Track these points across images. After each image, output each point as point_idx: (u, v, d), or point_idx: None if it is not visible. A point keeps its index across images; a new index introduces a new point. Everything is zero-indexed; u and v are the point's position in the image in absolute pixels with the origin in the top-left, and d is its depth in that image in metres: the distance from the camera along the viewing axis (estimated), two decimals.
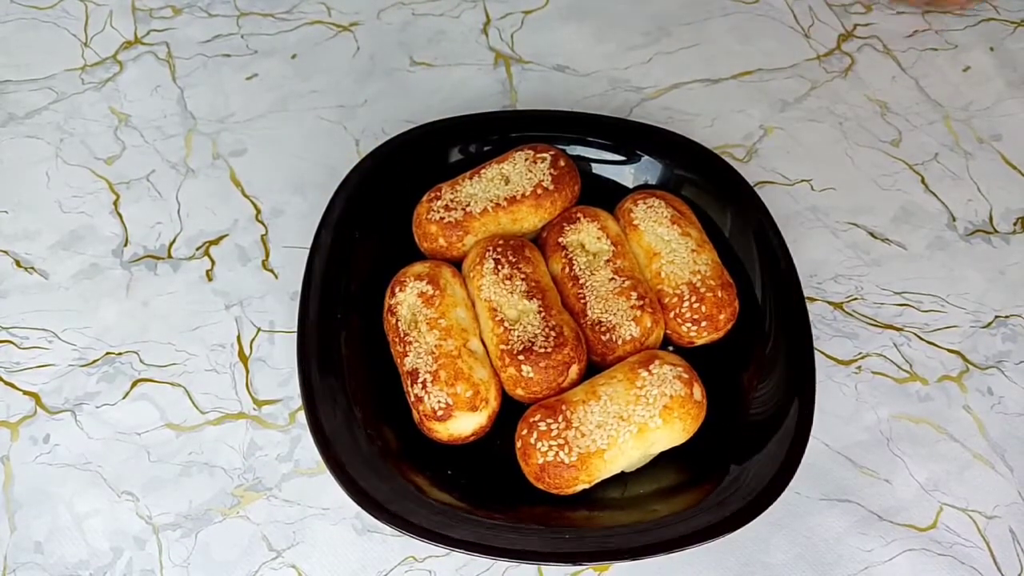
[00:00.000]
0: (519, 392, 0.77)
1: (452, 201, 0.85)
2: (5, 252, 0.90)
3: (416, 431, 0.78)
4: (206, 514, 0.77)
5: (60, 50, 1.03)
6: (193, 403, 0.82)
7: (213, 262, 0.90)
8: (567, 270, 0.82)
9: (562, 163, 0.87)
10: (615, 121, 0.92)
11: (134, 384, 0.83)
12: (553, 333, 0.77)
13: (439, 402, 0.75)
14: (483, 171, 0.86)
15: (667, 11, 1.09)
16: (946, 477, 0.80)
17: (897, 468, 0.80)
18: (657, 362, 0.76)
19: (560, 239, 0.84)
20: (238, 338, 0.85)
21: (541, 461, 0.73)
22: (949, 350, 0.86)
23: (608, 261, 0.82)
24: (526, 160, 0.86)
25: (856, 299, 0.89)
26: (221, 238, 0.91)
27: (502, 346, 0.77)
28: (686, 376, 0.75)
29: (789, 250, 0.84)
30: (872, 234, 0.93)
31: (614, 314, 0.79)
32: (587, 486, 0.74)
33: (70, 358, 0.84)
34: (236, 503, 0.78)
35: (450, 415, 0.75)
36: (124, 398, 0.82)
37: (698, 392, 0.75)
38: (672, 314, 0.80)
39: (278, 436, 0.81)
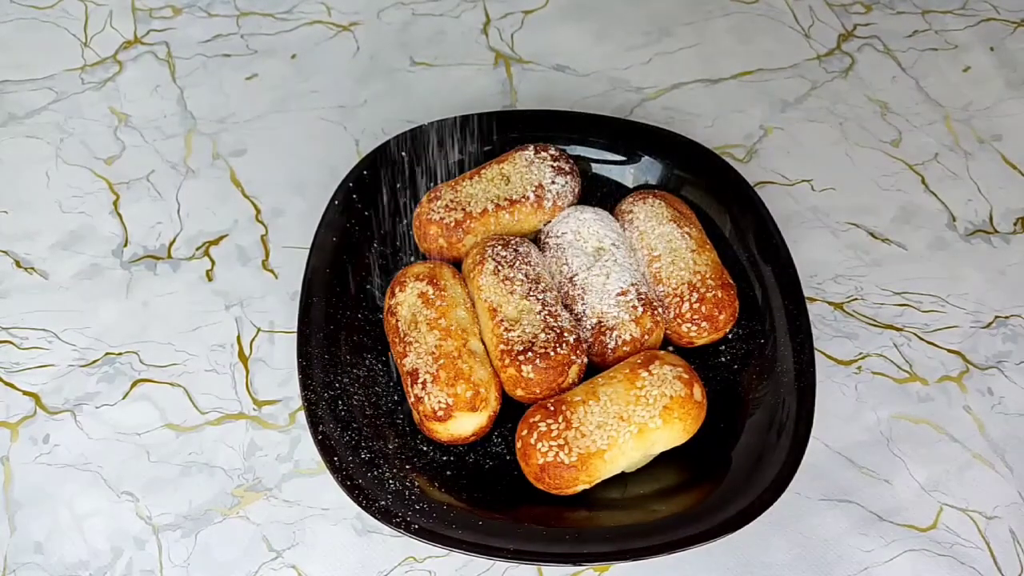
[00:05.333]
0: (519, 392, 0.77)
1: (452, 201, 0.84)
2: (5, 252, 0.90)
3: (416, 431, 0.78)
4: (206, 514, 0.77)
5: (60, 50, 1.03)
6: (193, 403, 0.82)
7: (213, 262, 0.90)
8: (567, 270, 0.82)
9: (562, 163, 0.87)
10: (615, 121, 0.92)
11: (134, 384, 0.83)
12: (553, 333, 0.76)
13: (439, 402, 0.75)
14: (483, 171, 0.86)
15: (667, 11, 1.09)
16: (946, 477, 0.80)
17: (897, 468, 0.80)
18: (657, 362, 0.76)
19: (560, 239, 0.84)
20: (238, 338, 0.85)
21: (541, 461, 0.73)
22: (949, 350, 0.86)
23: (608, 261, 0.82)
24: (526, 160, 0.86)
25: (856, 299, 0.89)
26: (221, 238, 0.91)
27: (502, 346, 0.77)
28: (686, 376, 0.75)
29: (789, 250, 0.84)
30: (872, 234, 0.93)
31: (614, 314, 0.79)
32: (587, 486, 0.74)
33: (70, 358, 0.84)
34: (236, 503, 0.78)
35: (450, 415, 0.75)
36: (124, 398, 0.82)
37: (698, 392, 0.75)
38: (672, 314, 0.80)
39: (278, 436, 0.81)
